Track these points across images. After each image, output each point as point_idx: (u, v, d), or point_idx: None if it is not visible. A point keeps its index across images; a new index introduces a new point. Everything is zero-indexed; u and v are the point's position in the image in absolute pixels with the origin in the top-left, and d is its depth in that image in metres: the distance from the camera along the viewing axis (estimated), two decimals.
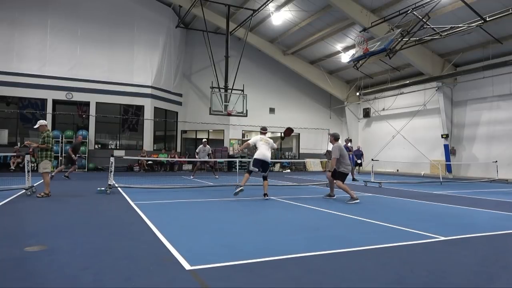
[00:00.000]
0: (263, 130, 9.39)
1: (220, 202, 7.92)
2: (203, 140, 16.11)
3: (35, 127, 8.40)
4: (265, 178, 8.75)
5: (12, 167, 17.10)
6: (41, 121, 8.46)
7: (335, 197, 8.81)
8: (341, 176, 8.40)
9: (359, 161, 17.75)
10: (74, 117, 19.90)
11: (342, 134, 26.68)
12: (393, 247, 4.16)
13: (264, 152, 8.58)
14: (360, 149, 18.42)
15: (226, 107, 18.44)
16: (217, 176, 15.16)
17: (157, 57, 21.07)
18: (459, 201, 8.62)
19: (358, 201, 8.00)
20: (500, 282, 3.18)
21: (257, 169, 8.48)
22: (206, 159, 15.37)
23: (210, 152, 15.71)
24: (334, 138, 8.81)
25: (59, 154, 17.90)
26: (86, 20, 19.41)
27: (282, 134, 9.92)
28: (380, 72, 22.04)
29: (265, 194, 8.48)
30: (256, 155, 8.57)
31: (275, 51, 23.00)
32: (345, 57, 20.99)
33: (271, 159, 9.12)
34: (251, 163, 8.54)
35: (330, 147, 9.21)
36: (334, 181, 8.56)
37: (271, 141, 9.09)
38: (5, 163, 17.52)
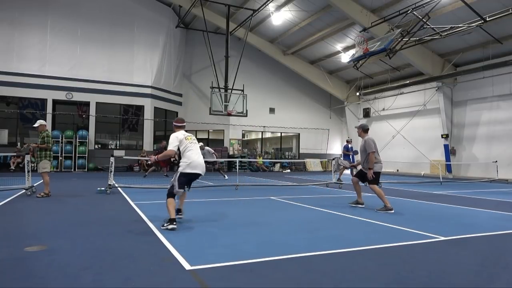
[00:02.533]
0: (179, 123, 5.65)
1: (220, 202, 7.92)
2: (200, 144, 16.10)
3: (34, 125, 8.41)
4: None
5: (12, 167, 17.10)
6: (41, 121, 8.49)
7: (364, 205, 7.42)
8: (375, 178, 6.94)
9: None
10: (74, 117, 19.90)
11: (342, 134, 26.78)
12: (393, 247, 4.16)
13: (197, 158, 5.38)
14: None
15: (226, 107, 18.44)
16: (226, 177, 14.88)
17: (157, 57, 21.07)
18: (459, 201, 8.62)
19: (393, 211, 6.66)
20: (500, 282, 3.18)
21: (183, 190, 5.32)
22: (214, 158, 15.20)
23: (213, 151, 15.63)
24: (364, 130, 7.23)
25: (59, 154, 17.90)
26: (86, 20, 19.41)
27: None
28: (380, 72, 22.04)
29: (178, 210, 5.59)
30: (185, 166, 5.26)
31: (275, 51, 23.00)
32: (345, 57, 20.99)
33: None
34: (176, 180, 5.22)
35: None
36: (369, 185, 7.03)
37: (201, 143, 5.89)
38: (5, 163, 17.52)
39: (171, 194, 5.21)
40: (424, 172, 20.01)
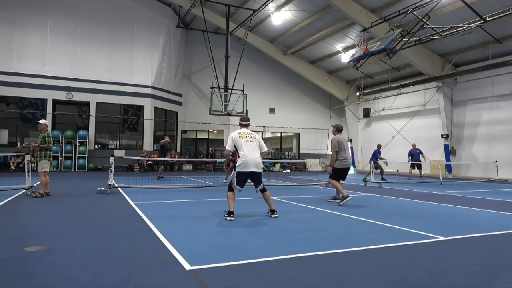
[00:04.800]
0: (244, 121, 6.12)
1: (220, 202, 7.91)
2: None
3: (39, 121, 8.38)
4: (263, 190, 6.00)
5: (12, 167, 17.11)
6: (45, 120, 8.49)
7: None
8: (334, 173, 7.76)
9: (421, 160, 16.47)
10: (74, 117, 19.90)
11: (342, 134, 26.73)
12: (393, 247, 4.16)
13: (251, 156, 5.75)
14: (416, 147, 17.06)
15: (226, 107, 18.43)
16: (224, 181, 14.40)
17: (157, 57, 21.07)
18: (459, 201, 8.62)
19: (350, 198, 7.45)
20: (500, 282, 3.17)
21: (240, 188, 5.82)
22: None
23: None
24: (337, 129, 8.00)
25: (59, 154, 17.91)
26: (86, 20, 19.42)
27: None
28: (380, 72, 22.04)
29: (272, 211, 5.94)
30: (238, 164, 5.79)
31: (275, 51, 23.00)
32: (345, 57, 20.99)
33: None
34: (234, 177, 5.82)
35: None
36: (328, 178, 7.92)
37: (258, 137, 6.08)
38: (5, 163, 17.52)
39: (230, 188, 5.82)
40: (424, 172, 19.99)
